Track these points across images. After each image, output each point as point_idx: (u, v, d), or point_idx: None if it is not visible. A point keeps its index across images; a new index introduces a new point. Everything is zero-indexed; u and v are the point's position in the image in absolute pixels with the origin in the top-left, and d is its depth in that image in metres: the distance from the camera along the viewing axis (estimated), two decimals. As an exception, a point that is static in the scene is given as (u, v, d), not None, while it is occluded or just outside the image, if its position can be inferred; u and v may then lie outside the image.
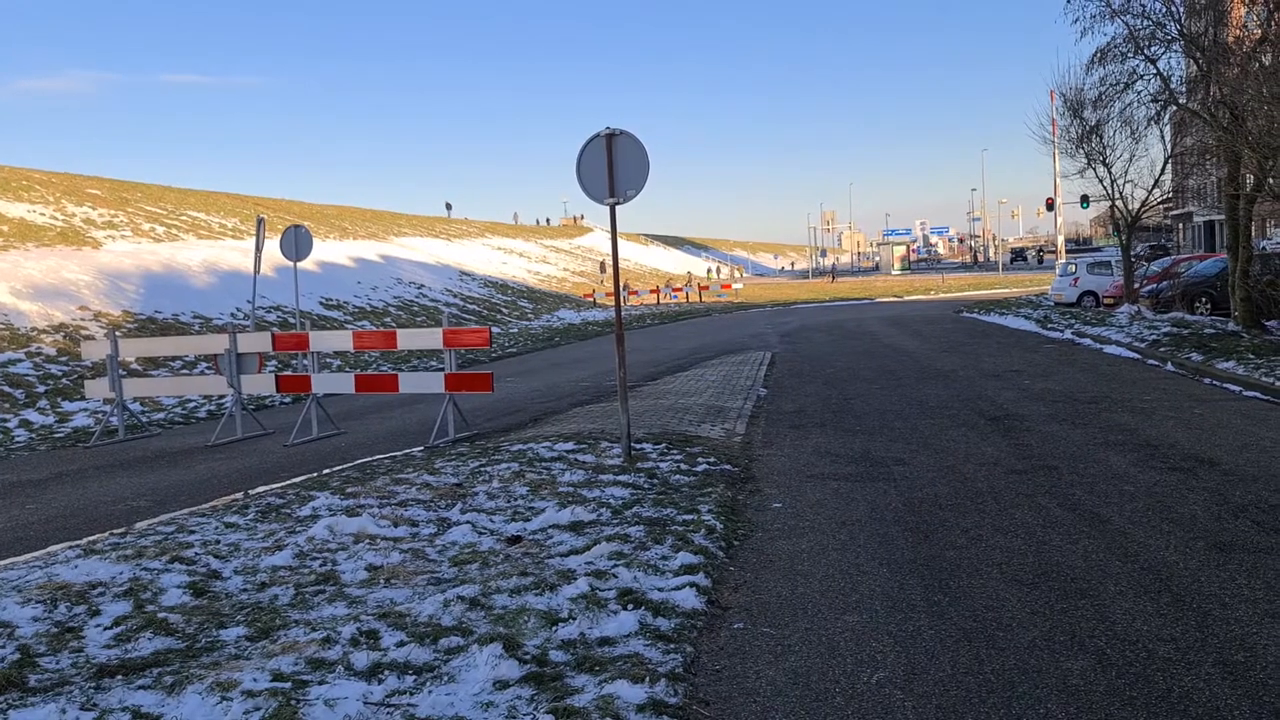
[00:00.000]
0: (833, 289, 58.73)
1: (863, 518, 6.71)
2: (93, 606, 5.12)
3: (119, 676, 4.29)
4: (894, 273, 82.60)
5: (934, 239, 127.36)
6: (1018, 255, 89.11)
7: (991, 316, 27.46)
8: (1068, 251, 45.01)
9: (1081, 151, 23.69)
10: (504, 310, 39.91)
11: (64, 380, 16.23)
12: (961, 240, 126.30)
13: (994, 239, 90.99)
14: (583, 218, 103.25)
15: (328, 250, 36.43)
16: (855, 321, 29.56)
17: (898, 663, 4.23)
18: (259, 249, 18.02)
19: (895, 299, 44.86)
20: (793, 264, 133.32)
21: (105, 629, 4.85)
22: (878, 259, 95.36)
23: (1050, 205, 41.95)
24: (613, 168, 8.62)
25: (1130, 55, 19.80)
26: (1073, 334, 20.23)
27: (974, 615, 4.73)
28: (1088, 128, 23.23)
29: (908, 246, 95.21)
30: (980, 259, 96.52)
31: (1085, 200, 32.56)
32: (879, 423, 10.63)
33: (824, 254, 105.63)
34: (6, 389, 15.18)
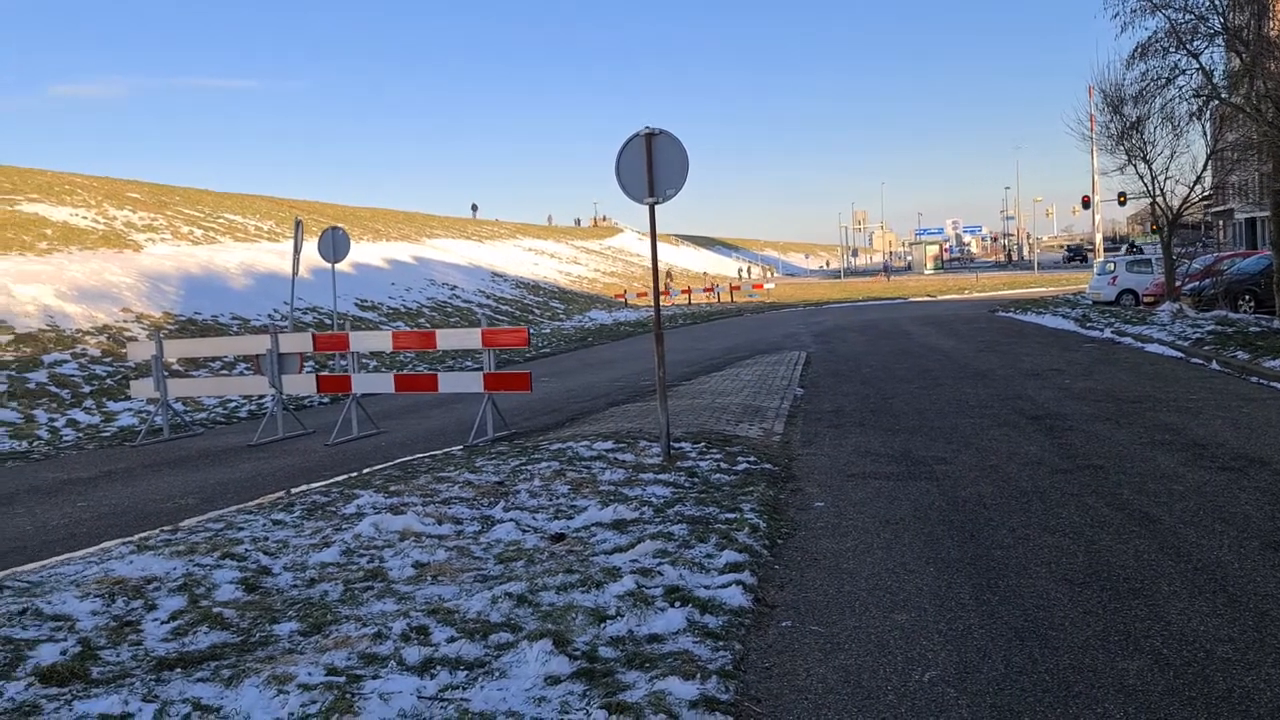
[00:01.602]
0: (876, 288, 58.39)
1: (906, 517, 6.68)
2: (149, 601, 5.20)
3: (178, 669, 4.36)
4: (927, 272, 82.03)
5: (967, 238, 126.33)
6: (1074, 253, 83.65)
7: (1028, 315, 27.21)
8: (1106, 250, 44.46)
9: (1121, 148, 23.42)
10: (536, 311, 40.05)
11: (108, 381, 16.48)
12: (995, 239, 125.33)
13: (1028, 237, 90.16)
14: (605, 219, 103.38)
15: (362, 252, 36.72)
16: (889, 321, 29.39)
17: (949, 661, 4.21)
18: (297, 251, 18.19)
19: (929, 298, 44.56)
20: (827, 263, 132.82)
21: (162, 623, 4.93)
22: (910, 258, 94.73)
23: (1087, 203, 41.50)
24: (652, 167, 8.63)
25: (1172, 50, 19.53)
26: (1113, 333, 20.01)
27: (1025, 614, 4.70)
28: (1128, 124, 22.96)
29: (940, 246, 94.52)
30: (1014, 258, 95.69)
31: (1123, 198, 32.18)
32: (918, 422, 10.57)
33: (855, 254, 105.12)
34: (54, 389, 15.44)
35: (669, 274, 63.46)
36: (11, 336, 17.10)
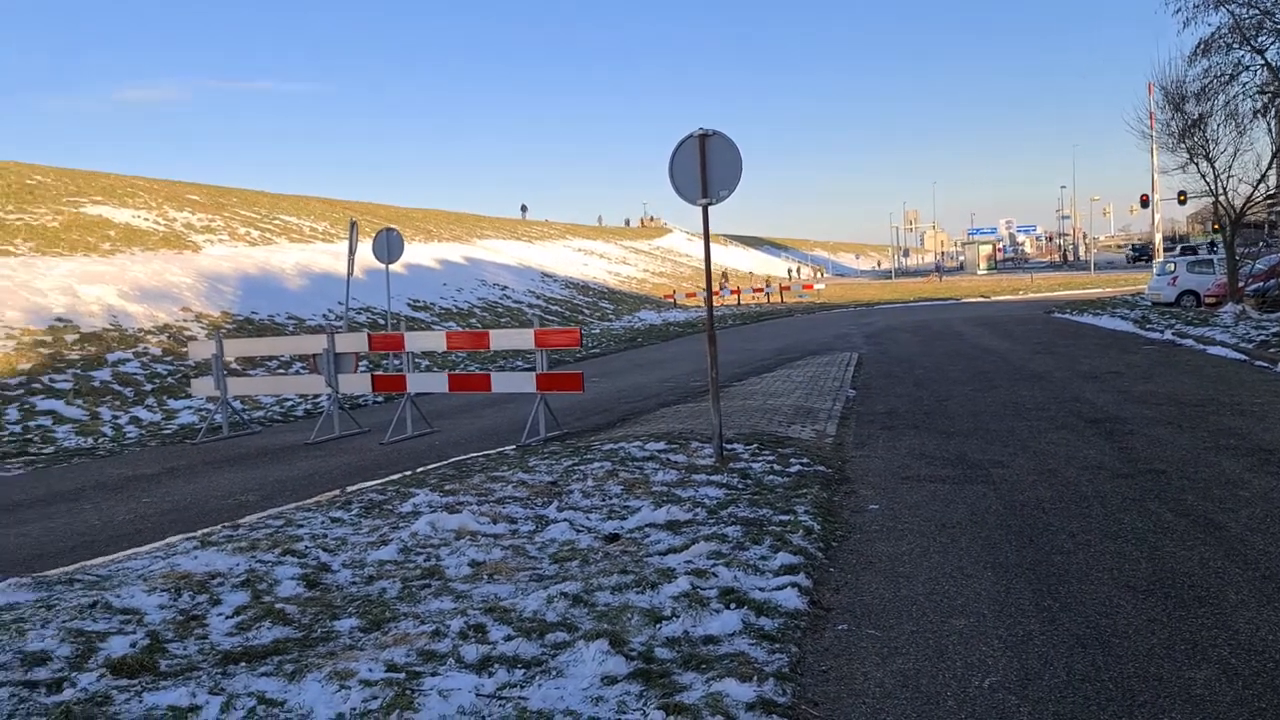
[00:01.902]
0: (928, 289, 57.79)
1: (963, 520, 6.61)
2: (214, 596, 5.32)
3: (242, 663, 4.45)
4: (980, 272, 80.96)
5: (1021, 238, 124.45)
6: (1140, 253, 79.65)
7: (1085, 317, 26.74)
8: (1165, 250, 43.52)
9: (1182, 146, 22.95)
10: (585, 311, 40.19)
11: (169, 379, 16.84)
12: (1050, 239, 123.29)
13: (1085, 237, 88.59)
14: (653, 219, 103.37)
15: (414, 252, 37.12)
16: (942, 322, 29.06)
17: (1010, 667, 4.16)
18: (352, 252, 18.46)
19: (982, 299, 43.98)
20: (878, 263, 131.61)
21: (227, 618, 5.03)
22: (962, 259, 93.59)
23: (1145, 202, 40.71)
24: (705, 168, 8.63)
25: (1235, 46, 19.14)
26: (1173, 334, 19.59)
27: (1087, 621, 4.63)
28: (1189, 121, 22.49)
29: (994, 245, 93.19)
30: (1070, 258, 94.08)
31: (1183, 197, 31.51)
32: (973, 425, 10.45)
33: (906, 254, 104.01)
34: (117, 387, 15.82)
35: (725, 274, 63.34)
36: (77, 336, 17.55)
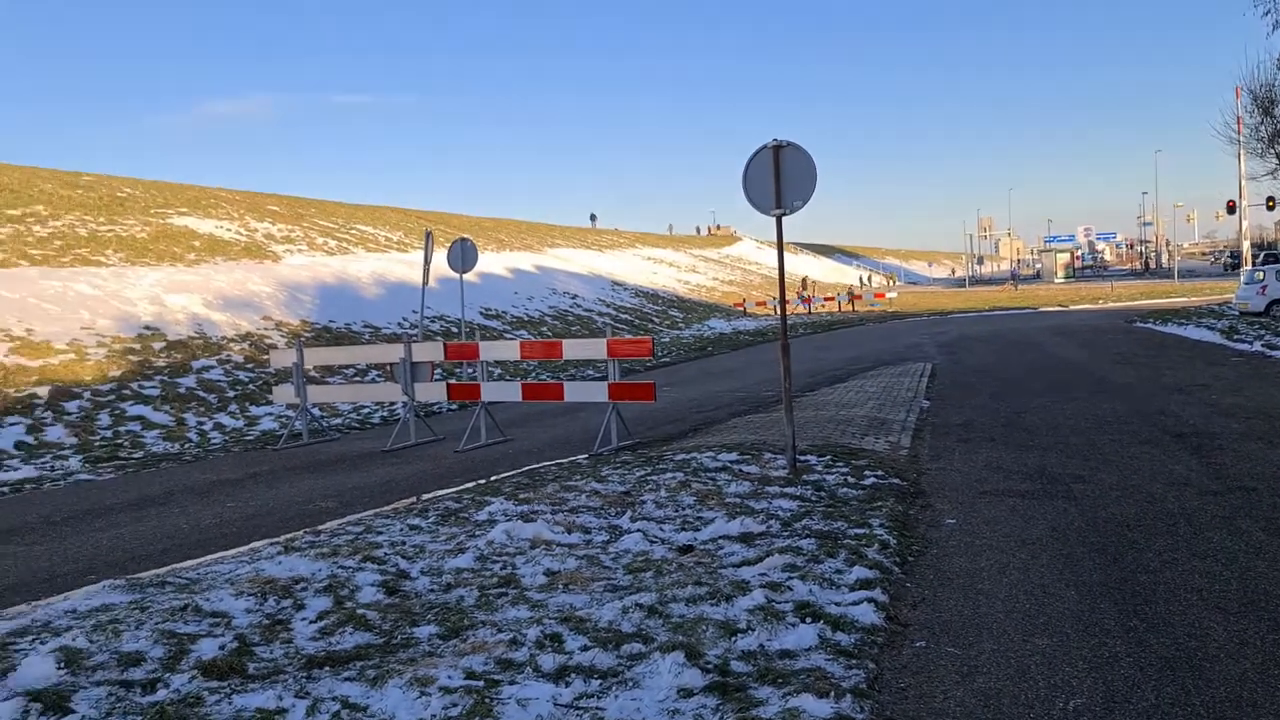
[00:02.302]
0: (1003, 297, 56.75)
1: (1043, 537, 6.48)
2: (297, 601, 5.45)
3: (326, 667, 4.55)
4: (1057, 281, 79.14)
5: (1100, 245, 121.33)
6: (1237, 260, 71.10)
7: (1169, 327, 25.99)
8: (1253, 257, 42.10)
9: (1272, 151, 22.27)
10: (655, 319, 40.28)
11: (250, 386, 17.29)
12: (1131, 246, 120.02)
13: (1167, 244, 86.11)
14: (720, 227, 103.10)
15: (486, 261, 37.59)
16: (1018, 332, 28.49)
17: (1095, 690, 4.07)
18: (427, 261, 18.78)
19: (1060, 308, 43.00)
20: (953, 271, 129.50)
21: (310, 622, 5.16)
22: (1039, 266, 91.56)
23: (1232, 208, 39.48)
24: (779, 179, 8.61)
25: (1328, 47, 18.44)
26: (1263, 346, 18.94)
27: (1176, 643, 4.51)
28: (1279, 126, 21.77)
29: (1072, 253, 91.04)
30: (1152, 265, 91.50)
31: (1272, 203, 30.49)
32: (1053, 438, 10.23)
33: (980, 261, 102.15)
34: (202, 394, 16.30)
35: (804, 282, 63.09)
36: (164, 343, 18.12)
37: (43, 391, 14.56)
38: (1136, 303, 42.18)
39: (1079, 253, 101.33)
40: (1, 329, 16.25)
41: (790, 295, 53.21)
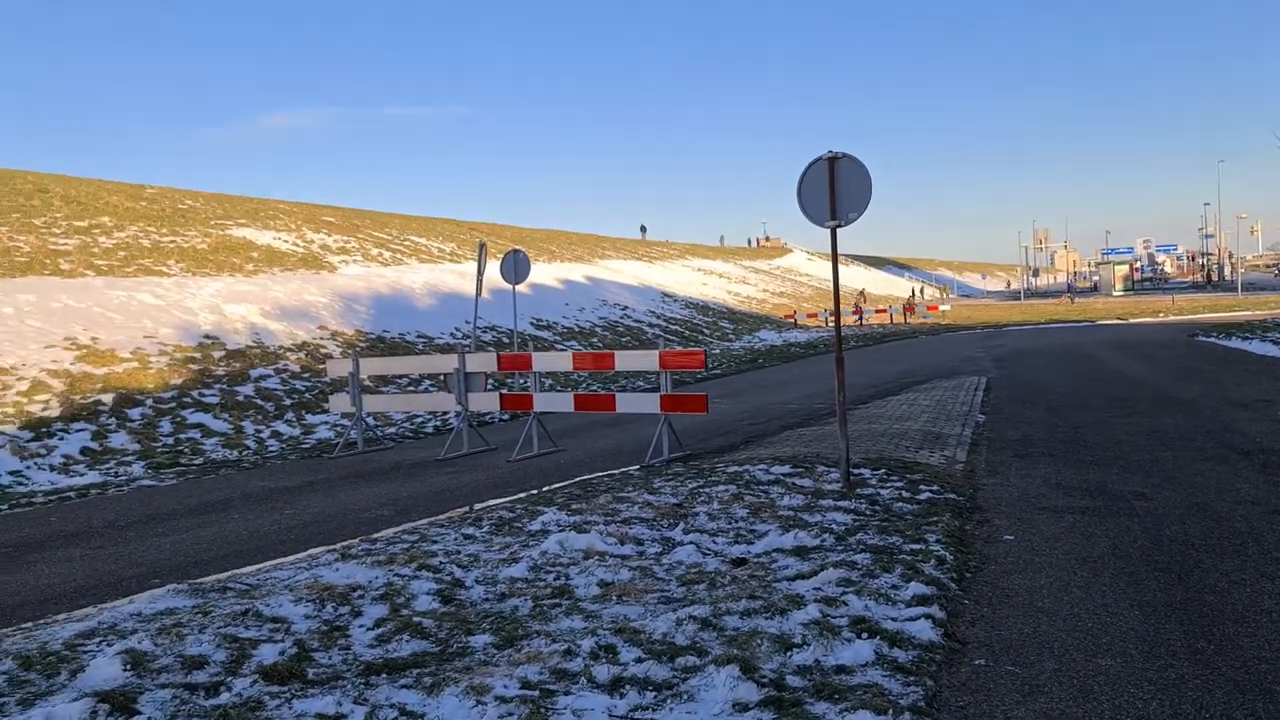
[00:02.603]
0: (1059, 310, 55.86)
1: (1105, 555, 6.35)
2: (355, 608, 5.52)
3: (383, 674, 4.60)
4: (1115, 293, 77.69)
5: (1160, 257, 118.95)
6: None
7: (1233, 341, 25.38)
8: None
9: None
10: (705, 331, 40.22)
11: (307, 395, 17.56)
12: (1192, 258, 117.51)
13: (1230, 257, 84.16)
14: (769, 239, 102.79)
15: (537, 272, 37.78)
16: (1075, 345, 28.02)
17: (1162, 713, 3.98)
18: (481, 272, 18.95)
19: (1119, 321, 42.23)
20: (1008, 284, 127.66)
21: (368, 629, 5.22)
22: (1096, 279, 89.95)
23: (1299, 220, 38.41)
24: (834, 191, 8.57)
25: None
26: (1331, 361, 18.43)
27: (1245, 666, 4.39)
28: (1348, 135, 21.17)
29: (1130, 265, 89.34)
30: (1215, 278, 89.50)
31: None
32: (1113, 454, 10.04)
33: (1035, 274, 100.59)
34: (259, 402, 16.59)
35: (861, 294, 62.86)
36: (223, 352, 18.48)
37: (107, 399, 14.92)
38: (1198, 316, 41.28)
39: (1138, 265, 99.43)
40: (69, 337, 16.70)
41: (854, 305, 52.85)
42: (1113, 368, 20.07)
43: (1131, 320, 42.40)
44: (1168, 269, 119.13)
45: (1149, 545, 6.52)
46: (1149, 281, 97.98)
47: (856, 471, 9.11)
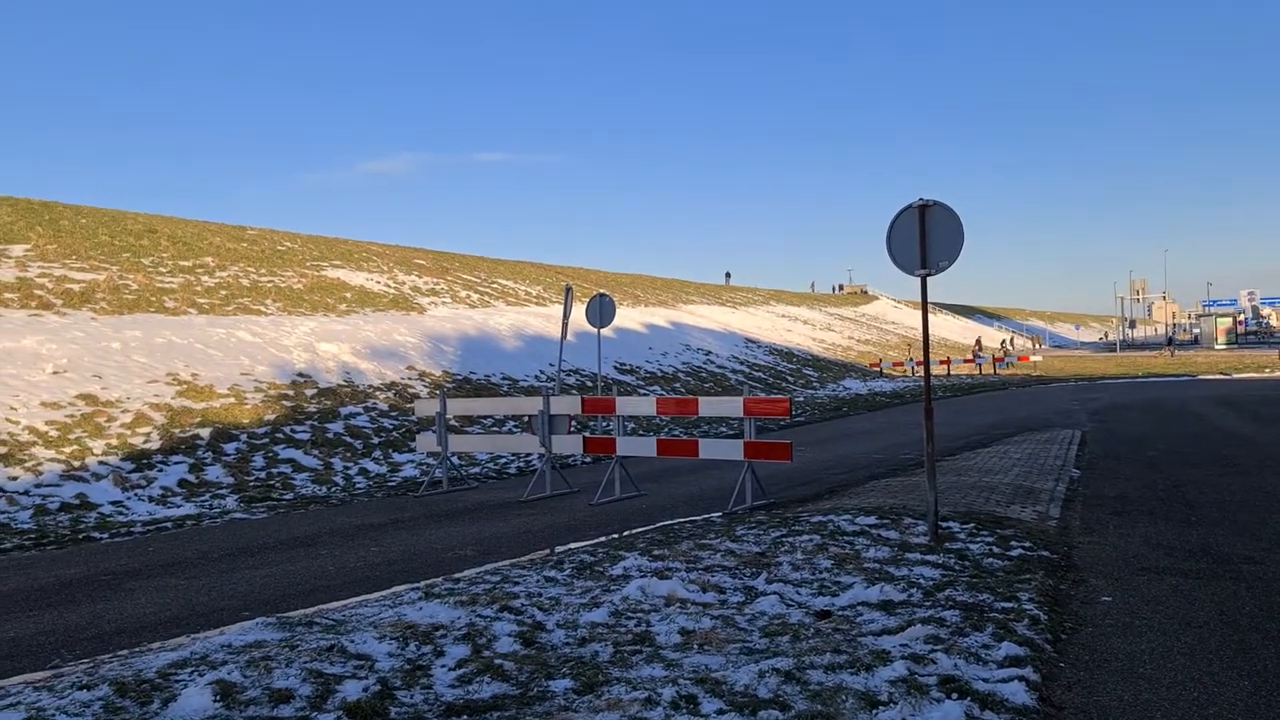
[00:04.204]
0: (1158, 363, 54.10)
1: (1210, 620, 6.06)
2: (437, 647, 5.55)
3: (464, 716, 4.60)
4: (1218, 347, 74.92)
5: (1265, 310, 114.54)
6: None
7: (1345, 398, 24.24)
8: None
9: None
10: (789, 378, 39.91)
11: (394, 434, 17.89)
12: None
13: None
14: (850, 285, 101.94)
15: (621, 316, 38.05)
16: (1175, 400, 27.04)
17: (1276, 792, 3.75)
18: (566, 315, 19.16)
19: (1222, 376, 40.65)
20: (1104, 335, 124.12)
21: (449, 669, 5.24)
22: (1197, 331, 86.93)
23: None
24: (925, 239, 8.47)
25: None
26: None
27: (1368, 746, 4.13)
28: None
29: (1234, 318, 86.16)
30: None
31: None
32: (1218, 514, 9.61)
33: (1132, 325, 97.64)
34: (348, 440, 16.95)
35: (978, 343, 62.22)
36: (315, 390, 18.96)
37: (205, 433, 15.41)
38: (1308, 372, 39.50)
39: (1242, 317, 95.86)
40: (170, 373, 17.33)
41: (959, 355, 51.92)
42: (1216, 424, 19.30)
43: (1235, 375, 40.78)
44: (1274, 322, 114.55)
45: (1258, 612, 6.21)
46: (1254, 335, 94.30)
47: (945, 525, 8.88)
